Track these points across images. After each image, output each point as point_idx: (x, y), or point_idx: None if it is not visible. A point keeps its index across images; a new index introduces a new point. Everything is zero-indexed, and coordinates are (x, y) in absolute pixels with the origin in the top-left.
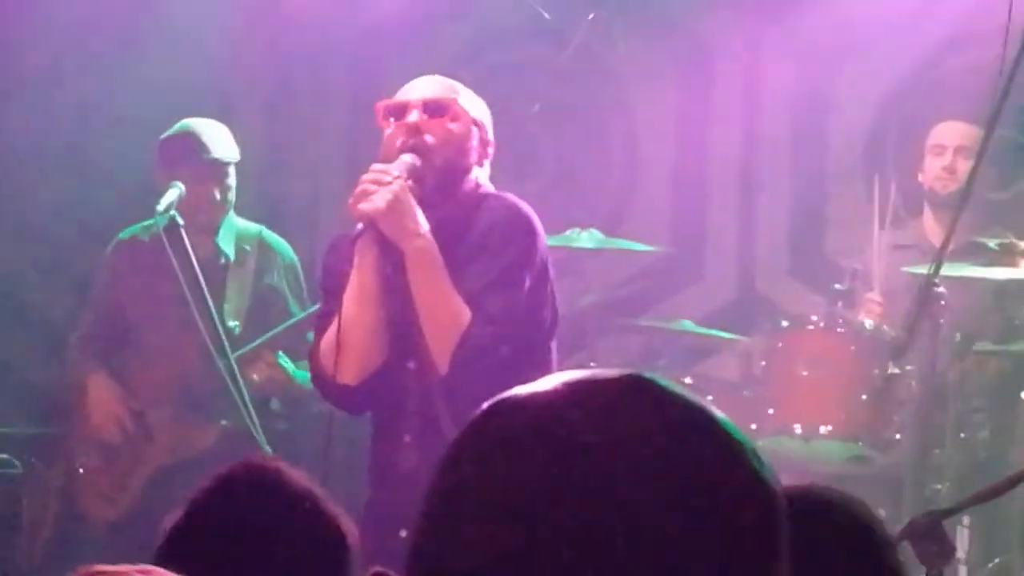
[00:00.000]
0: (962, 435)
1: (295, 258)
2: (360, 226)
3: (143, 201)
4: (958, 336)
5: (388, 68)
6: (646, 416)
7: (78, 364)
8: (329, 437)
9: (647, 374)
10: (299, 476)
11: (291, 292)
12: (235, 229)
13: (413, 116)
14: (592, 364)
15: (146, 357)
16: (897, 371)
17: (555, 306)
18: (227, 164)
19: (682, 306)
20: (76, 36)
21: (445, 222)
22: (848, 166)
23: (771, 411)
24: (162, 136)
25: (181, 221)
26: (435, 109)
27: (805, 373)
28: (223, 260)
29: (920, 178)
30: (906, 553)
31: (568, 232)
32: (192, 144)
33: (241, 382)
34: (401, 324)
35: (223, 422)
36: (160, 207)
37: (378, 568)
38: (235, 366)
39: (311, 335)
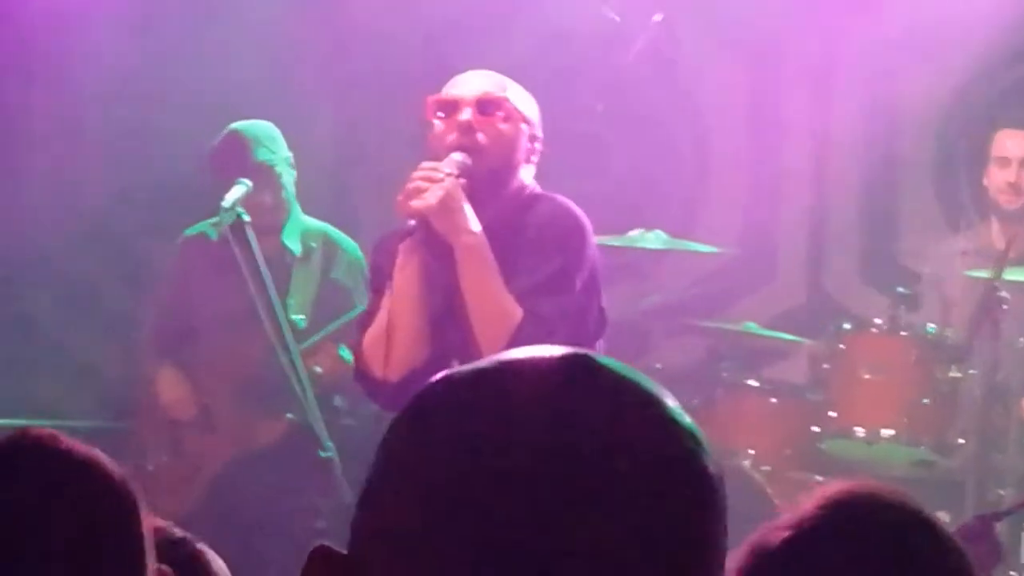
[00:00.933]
0: None
1: (361, 255)
2: (411, 223)
3: (213, 196)
4: (1021, 340)
5: (456, 67)
6: (583, 395)
7: (147, 359)
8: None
9: (590, 354)
10: (76, 443)
11: (356, 287)
12: (300, 226)
13: (466, 114)
14: (657, 366)
15: (212, 352)
16: (959, 375)
17: (602, 310)
18: (274, 164)
19: (750, 308)
20: (142, 31)
21: (495, 221)
22: (919, 169)
23: (833, 414)
24: (212, 143)
25: (247, 217)
26: (487, 107)
27: (867, 376)
28: (288, 256)
29: (985, 182)
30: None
31: (631, 233)
32: (239, 147)
33: (304, 375)
34: (447, 321)
35: (288, 416)
36: (226, 203)
37: (321, 543)
38: (298, 359)
39: None
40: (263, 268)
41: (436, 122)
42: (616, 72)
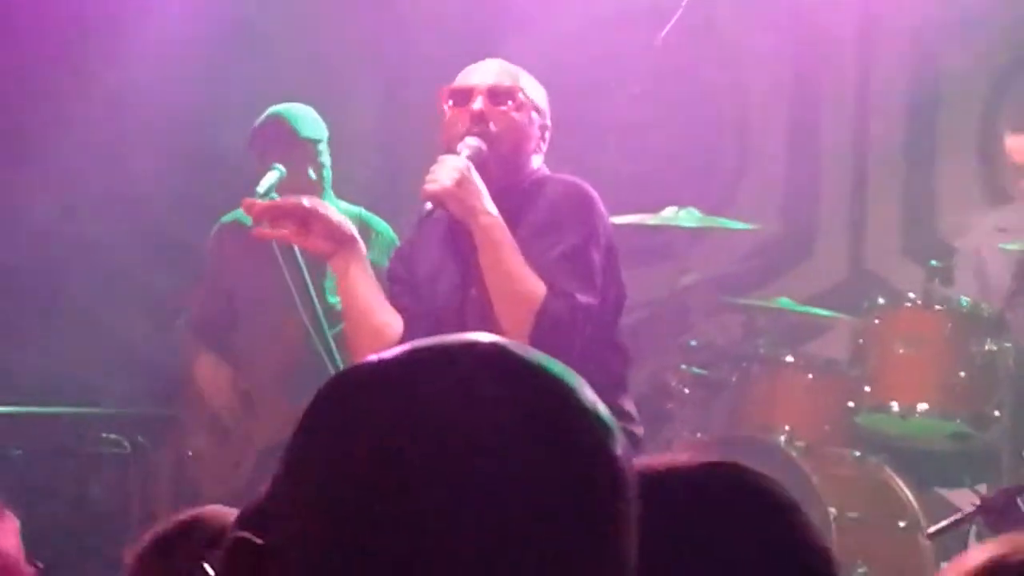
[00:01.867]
0: None
1: (395, 236)
2: (428, 207)
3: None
4: None
5: (495, 53)
6: (491, 384)
7: (188, 346)
8: None
9: (500, 341)
10: None
11: None
12: (337, 208)
13: (478, 103)
14: (693, 343)
15: (252, 338)
16: (995, 348)
17: (621, 285)
18: (317, 142)
19: (791, 285)
20: (187, 29)
21: (509, 206)
22: (959, 146)
23: (868, 388)
24: (254, 124)
25: None
26: (499, 96)
27: (902, 351)
28: None
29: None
30: None
31: (665, 212)
32: (281, 127)
33: (339, 358)
34: (465, 309)
35: None
36: (260, 189)
37: (240, 534)
38: (332, 343)
39: None
40: (298, 252)
41: (448, 110)
42: (652, 51)
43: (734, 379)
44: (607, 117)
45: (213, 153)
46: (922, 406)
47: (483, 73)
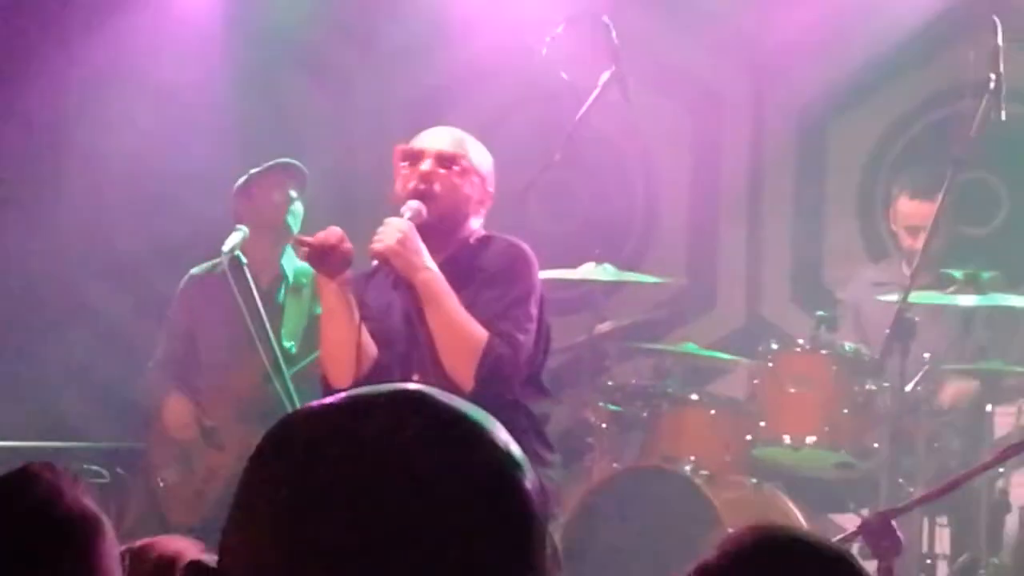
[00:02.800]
0: (935, 445)
1: None
2: (374, 263)
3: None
4: (926, 356)
5: (436, 121)
6: (412, 427)
7: (156, 386)
8: None
9: (421, 388)
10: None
11: None
12: (293, 263)
13: (426, 165)
14: (610, 383)
15: (215, 378)
16: (874, 388)
17: (548, 332)
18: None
19: (696, 331)
20: (168, 95)
21: (452, 261)
22: (841, 209)
23: (763, 423)
24: (237, 184)
25: (244, 260)
26: (445, 161)
27: (793, 390)
28: (283, 287)
29: (893, 227)
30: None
31: (584, 267)
32: (254, 188)
33: (295, 396)
34: (411, 344)
35: None
36: (225, 248)
37: (193, 559)
38: (289, 382)
39: None
40: (259, 303)
41: (403, 169)
42: (570, 124)
43: (646, 415)
44: (533, 182)
45: (181, 211)
46: (811, 439)
47: (434, 139)
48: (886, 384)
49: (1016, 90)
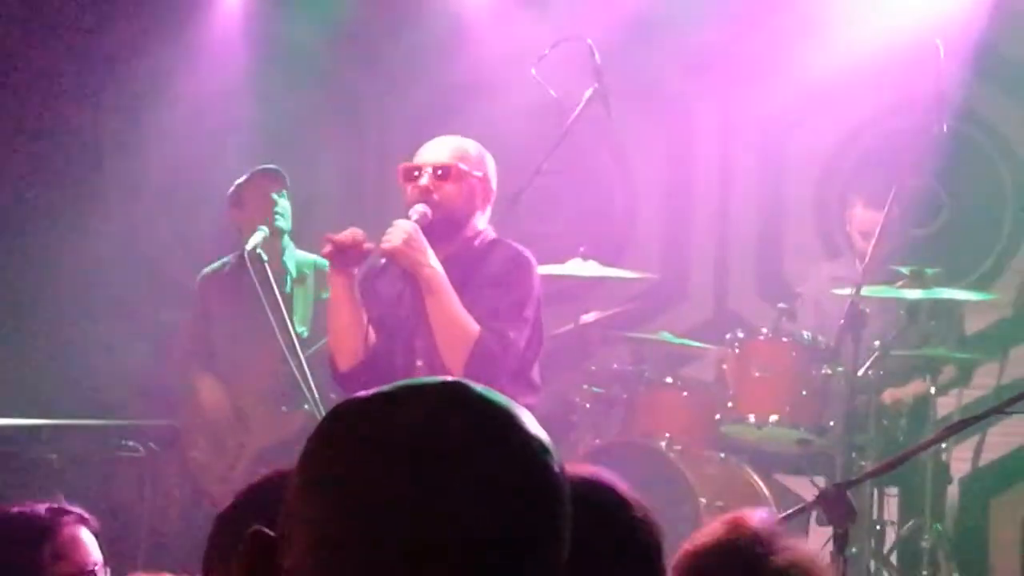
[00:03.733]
0: (884, 422)
1: None
2: (382, 261)
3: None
4: (876, 344)
5: (431, 134)
6: (455, 420)
7: (187, 371)
8: None
9: (462, 382)
10: None
11: None
12: (294, 257)
13: (424, 179)
14: (593, 368)
15: (239, 362)
16: (830, 372)
17: (542, 333)
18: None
19: (668, 321)
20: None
21: (455, 259)
22: (801, 209)
23: (730, 404)
24: (227, 194)
25: (265, 257)
26: (441, 172)
27: (757, 374)
28: (288, 279)
29: (848, 228)
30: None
31: (571, 262)
32: (244, 195)
33: (309, 377)
34: (416, 332)
35: (305, 407)
36: (248, 246)
37: (257, 527)
38: (305, 364)
39: None
40: (278, 294)
41: (407, 184)
42: (559, 135)
43: (625, 396)
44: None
45: (203, 213)
46: (773, 417)
47: (429, 153)
48: (840, 369)
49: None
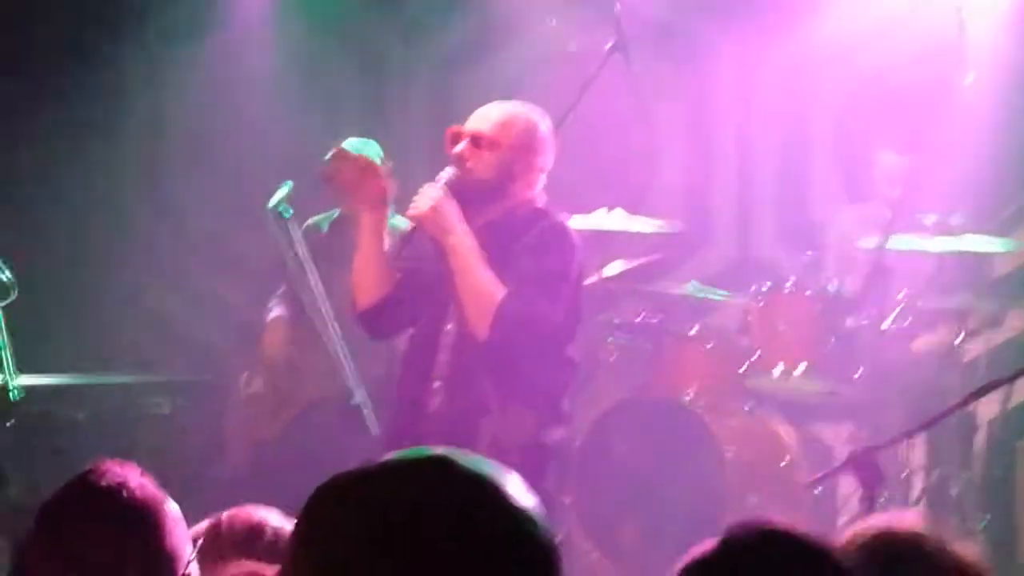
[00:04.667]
0: (911, 372)
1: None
2: (411, 225)
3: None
4: (900, 295)
5: (453, 85)
6: (440, 494)
7: (268, 310)
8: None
9: (448, 455)
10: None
11: None
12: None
13: (460, 147)
14: (616, 320)
15: (307, 316)
16: (856, 323)
17: (580, 311)
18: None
19: (693, 269)
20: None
21: (495, 227)
22: (825, 154)
23: (756, 357)
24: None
25: (288, 215)
26: (478, 141)
27: (782, 327)
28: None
29: (875, 174)
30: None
31: (597, 212)
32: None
33: (338, 338)
34: (448, 297)
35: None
36: (271, 203)
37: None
38: (333, 325)
39: None
40: (303, 253)
41: (450, 148)
42: (580, 87)
43: (650, 348)
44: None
45: (228, 160)
46: (799, 370)
47: (475, 120)
48: (865, 321)
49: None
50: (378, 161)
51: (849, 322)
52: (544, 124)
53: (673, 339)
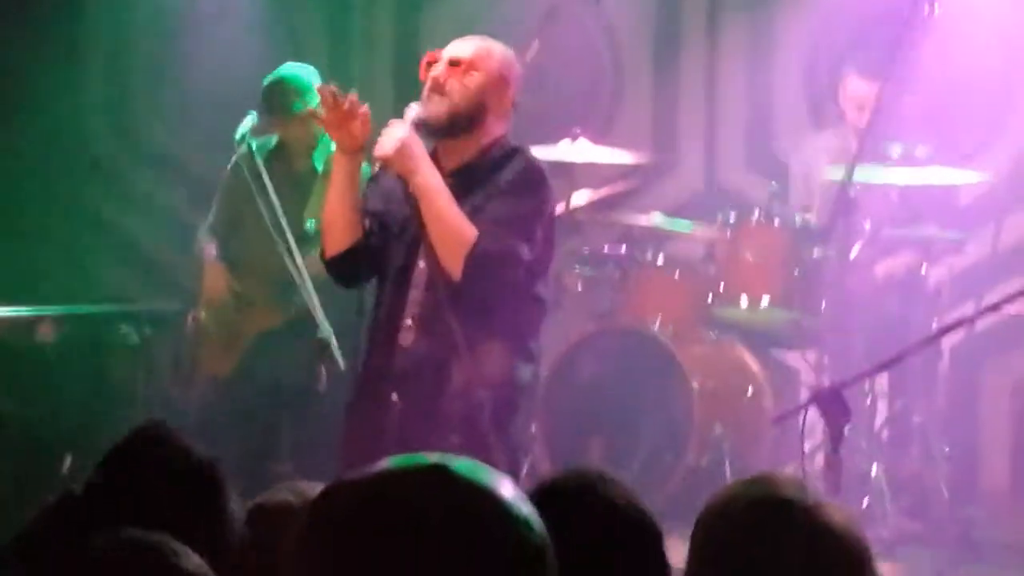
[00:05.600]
0: (876, 299)
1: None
2: (377, 165)
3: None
4: (866, 225)
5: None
6: (438, 502)
7: (200, 249)
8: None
9: (445, 464)
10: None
11: None
12: (329, 150)
13: (437, 69)
14: (585, 250)
15: (248, 250)
16: (822, 254)
17: (552, 249)
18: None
19: (660, 198)
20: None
21: (467, 168)
22: (791, 81)
23: (722, 287)
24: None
25: (254, 146)
26: (457, 65)
27: (749, 257)
28: (313, 174)
29: (840, 101)
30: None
31: (561, 143)
32: (280, 98)
33: (304, 272)
34: (417, 232)
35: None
36: (237, 135)
37: None
38: (299, 260)
39: None
40: (268, 184)
41: (425, 75)
42: (550, 15)
43: (617, 277)
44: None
45: (192, 85)
46: (766, 299)
47: (453, 46)
48: (831, 252)
49: None
50: (315, 90)
51: (816, 253)
52: (517, 61)
53: (639, 268)
